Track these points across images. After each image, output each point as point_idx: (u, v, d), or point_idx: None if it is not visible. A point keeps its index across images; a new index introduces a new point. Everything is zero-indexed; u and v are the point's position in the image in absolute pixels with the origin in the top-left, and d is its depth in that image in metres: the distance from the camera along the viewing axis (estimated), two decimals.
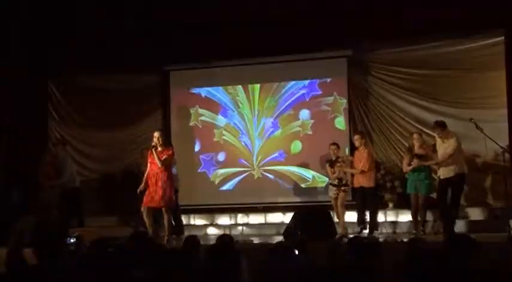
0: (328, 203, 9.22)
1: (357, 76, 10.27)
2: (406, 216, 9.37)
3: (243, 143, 10.66)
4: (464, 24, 9.27)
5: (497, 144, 7.95)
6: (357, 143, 9.10)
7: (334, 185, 8.99)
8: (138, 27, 10.42)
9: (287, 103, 10.51)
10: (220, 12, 10.02)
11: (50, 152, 9.90)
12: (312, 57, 10.32)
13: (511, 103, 8.97)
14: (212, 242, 6.47)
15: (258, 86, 10.66)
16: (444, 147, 8.20)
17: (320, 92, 10.40)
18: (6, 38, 10.09)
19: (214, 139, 10.75)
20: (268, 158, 10.52)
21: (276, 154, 10.50)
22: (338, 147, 9.16)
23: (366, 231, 8.87)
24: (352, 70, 10.25)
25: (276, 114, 10.55)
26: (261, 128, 10.60)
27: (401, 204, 9.58)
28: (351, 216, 9.26)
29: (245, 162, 10.60)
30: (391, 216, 9.55)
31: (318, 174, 10.21)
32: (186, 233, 9.16)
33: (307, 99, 10.43)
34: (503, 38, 9.16)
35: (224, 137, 10.72)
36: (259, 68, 10.59)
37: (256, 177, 10.54)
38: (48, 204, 9.31)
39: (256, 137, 10.61)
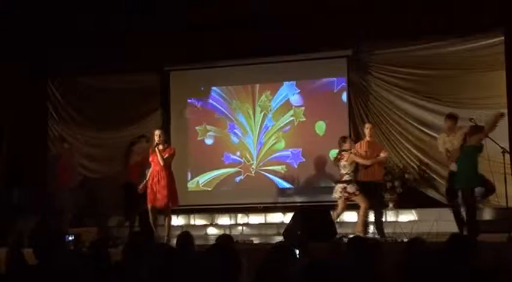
0: (329, 203, 9.03)
1: (357, 76, 10.26)
2: (406, 216, 9.37)
3: (244, 144, 10.65)
4: (464, 24, 9.27)
5: (497, 144, 7.93)
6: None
7: (342, 182, 8.39)
8: (137, 27, 10.42)
9: (286, 103, 10.51)
10: (220, 12, 10.03)
11: (50, 151, 9.90)
12: (311, 57, 10.31)
13: (511, 103, 8.96)
14: (212, 242, 6.46)
15: (257, 86, 10.66)
16: (453, 143, 8.02)
17: (319, 92, 10.40)
18: (6, 38, 10.09)
19: (217, 140, 10.75)
20: (267, 159, 10.51)
21: (275, 154, 10.49)
22: (343, 140, 8.49)
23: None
24: (352, 70, 10.25)
25: (276, 114, 10.54)
26: (260, 129, 10.59)
27: (401, 204, 9.58)
28: (351, 216, 9.24)
29: (246, 163, 10.61)
30: (391, 216, 9.54)
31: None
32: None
33: (306, 100, 10.42)
34: (503, 38, 9.15)
35: (227, 138, 10.72)
36: (259, 68, 10.57)
37: (256, 177, 10.53)
38: (63, 208, 9.32)
39: (256, 137, 10.61)
